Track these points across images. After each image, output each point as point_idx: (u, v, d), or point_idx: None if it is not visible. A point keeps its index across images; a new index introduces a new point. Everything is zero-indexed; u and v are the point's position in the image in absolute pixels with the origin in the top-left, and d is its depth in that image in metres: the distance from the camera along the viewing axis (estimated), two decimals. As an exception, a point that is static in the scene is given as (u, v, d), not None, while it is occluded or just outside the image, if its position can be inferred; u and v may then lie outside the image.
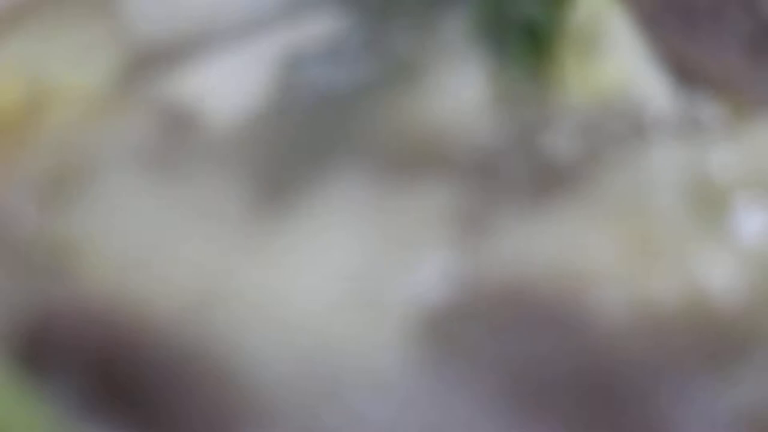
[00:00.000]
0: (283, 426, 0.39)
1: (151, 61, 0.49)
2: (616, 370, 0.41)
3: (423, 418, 0.40)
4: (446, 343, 0.41)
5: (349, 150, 0.47)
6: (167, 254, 0.42)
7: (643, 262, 0.43)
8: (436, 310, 0.41)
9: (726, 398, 0.40)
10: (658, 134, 0.48)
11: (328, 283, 0.42)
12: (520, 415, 0.40)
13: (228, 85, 0.49)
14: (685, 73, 0.51)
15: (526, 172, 0.47)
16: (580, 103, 0.49)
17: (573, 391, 0.40)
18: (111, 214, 0.44)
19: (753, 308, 0.42)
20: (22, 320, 0.41)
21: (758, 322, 0.42)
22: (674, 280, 0.43)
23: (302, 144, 0.47)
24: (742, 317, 0.42)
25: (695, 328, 0.42)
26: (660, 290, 0.42)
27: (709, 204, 0.45)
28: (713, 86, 0.51)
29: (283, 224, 0.44)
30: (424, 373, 0.40)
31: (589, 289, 0.42)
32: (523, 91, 0.50)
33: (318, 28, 0.52)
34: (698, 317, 0.42)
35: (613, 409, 0.40)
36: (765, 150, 0.48)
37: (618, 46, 0.51)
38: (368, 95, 0.49)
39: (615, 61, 0.50)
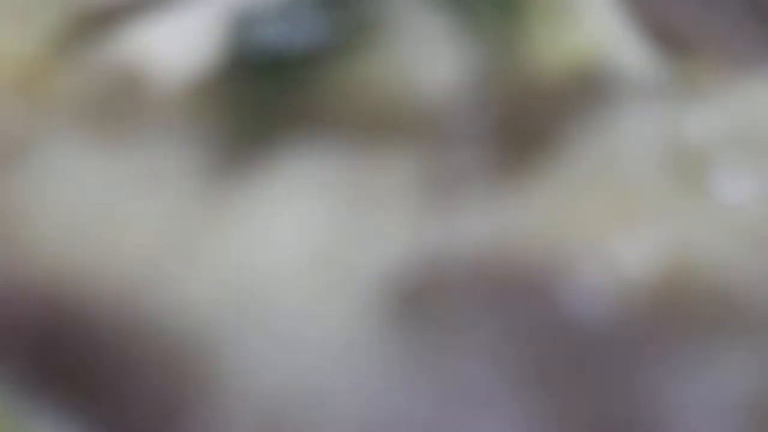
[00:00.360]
0: (242, 402, 0.37)
1: (95, 20, 0.47)
2: (597, 343, 0.39)
3: (391, 391, 0.38)
4: (415, 315, 0.39)
5: (307, 114, 0.45)
6: (115, 224, 0.40)
7: (621, 231, 0.42)
8: (404, 281, 0.39)
9: (715, 373, 0.38)
10: (635, 98, 0.46)
11: (290, 254, 0.39)
12: (493, 392, 0.38)
13: (177, 46, 0.47)
14: (664, 35, 0.50)
15: (496, 139, 0.45)
16: (552, 67, 0.47)
17: (551, 366, 0.39)
18: (55, 182, 0.41)
19: (736, 274, 0.40)
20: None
21: (743, 289, 0.40)
22: (654, 248, 0.41)
23: (257, 108, 0.45)
24: (726, 285, 0.40)
25: (676, 297, 0.40)
26: (639, 259, 0.41)
27: (688, 168, 0.43)
28: (693, 48, 0.50)
29: (239, 192, 0.41)
30: (392, 346, 0.38)
31: (566, 261, 0.40)
32: (491, 54, 0.48)
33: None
34: (680, 285, 0.40)
35: (594, 384, 0.38)
36: (743, 113, 0.46)
37: (591, 8, 0.49)
38: (325, 58, 0.47)
39: (588, 22, 0.49)
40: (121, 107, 0.44)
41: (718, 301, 0.40)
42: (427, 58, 0.47)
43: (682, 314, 0.39)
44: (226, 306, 0.38)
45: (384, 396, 0.37)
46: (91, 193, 0.41)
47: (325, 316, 0.38)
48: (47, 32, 0.47)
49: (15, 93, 0.44)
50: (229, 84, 0.46)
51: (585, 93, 0.46)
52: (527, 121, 0.45)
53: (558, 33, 0.48)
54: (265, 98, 0.46)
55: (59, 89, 0.45)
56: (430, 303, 0.39)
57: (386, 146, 0.44)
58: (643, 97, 0.46)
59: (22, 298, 0.38)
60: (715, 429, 0.37)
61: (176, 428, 0.36)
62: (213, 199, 0.41)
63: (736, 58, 0.49)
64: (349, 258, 0.39)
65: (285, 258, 0.39)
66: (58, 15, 0.47)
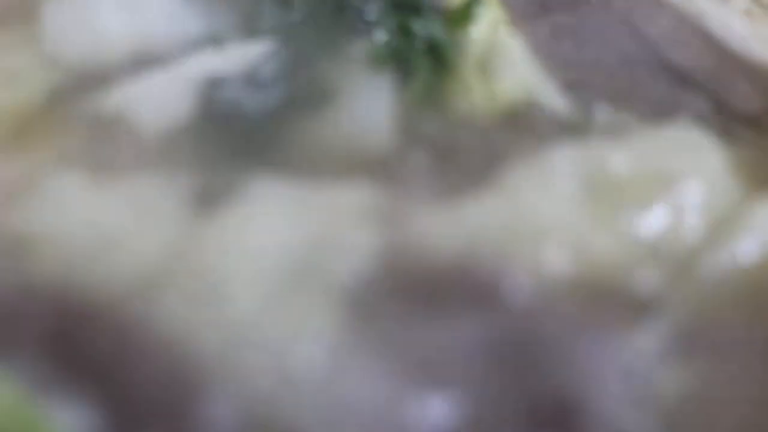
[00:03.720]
0: (225, 391, 0.45)
1: (83, 79, 0.56)
2: (526, 333, 0.47)
3: (351, 379, 0.46)
4: (370, 316, 0.47)
5: (271, 156, 0.54)
6: (113, 243, 0.48)
7: (544, 244, 0.50)
8: (361, 286, 0.48)
9: (624, 351, 0.47)
10: (558, 135, 0.55)
11: (263, 264, 0.48)
12: (440, 380, 0.46)
13: (156, 101, 0.55)
14: (576, 86, 0.59)
15: (435, 170, 0.54)
16: (485, 112, 0.57)
17: (488, 353, 0.47)
18: (59, 211, 0.49)
19: (637, 278, 0.50)
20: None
21: (643, 290, 0.50)
22: (570, 259, 0.50)
23: (227, 151, 0.54)
24: (628, 286, 0.50)
25: (588, 296, 0.49)
26: (558, 268, 0.50)
27: (601, 193, 0.53)
28: (601, 98, 0.59)
29: (220, 215, 0.50)
30: (354, 343, 0.47)
31: (497, 266, 0.49)
32: (430, 103, 0.57)
33: (238, 54, 0.59)
34: (592, 287, 0.49)
35: (527, 364, 0.46)
36: (651, 154, 0.56)
37: (516, 63, 0.59)
38: (284, 112, 0.56)
39: (514, 75, 0.58)
40: (110, 150, 0.53)
41: (622, 296, 0.49)
42: (371, 112, 0.57)
43: (594, 304, 0.48)
44: (212, 308, 0.46)
45: (347, 375, 0.45)
46: (90, 218, 0.49)
47: (294, 315, 0.47)
48: (39, 90, 0.55)
49: (15, 141, 0.53)
50: (201, 131, 0.55)
51: (515, 130, 0.55)
52: (465, 155, 0.54)
53: (489, 83, 0.58)
54: (234, 143, 0.55)
55: (55, 136, 0.53)
56: (383, 303, 0.47)
57: (341, 179, 0.53)
58: (565, 135, 0.55)
59: (35, 302, 0.46)
60: (622, 391, 0.46)
61: (180, 410, 0.44)
62: (198, 221, 0.49)
63: (646, 109, 0.59)
64: (320, 263, 0.48)
65: (265, 265, 0.47)
66: (49, 74, 0.56)
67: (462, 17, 0.60)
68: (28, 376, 0.45)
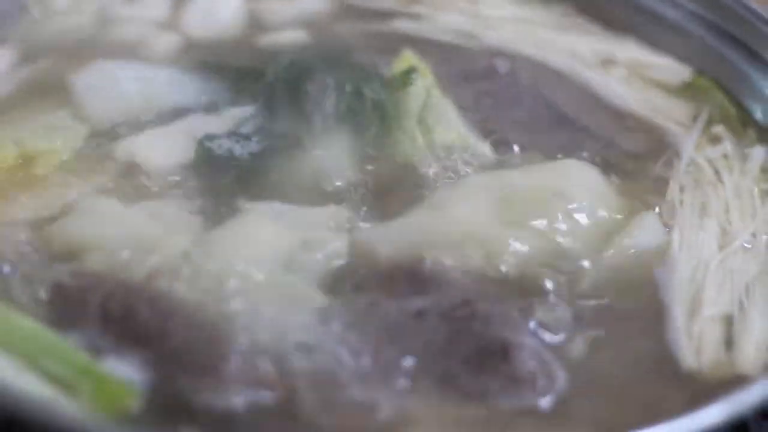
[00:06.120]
0: (242, 349, 0.60)
1: (107, 131, 0.73)
2: (460, 308, 0.64)
3: (332, 340, 0.62)
4: (344, 292, 0.64)
5: (257, 188, 0.71)
6: (144, 244, 0.64)
7: (466, 243, 0.67)
8: (336, 271, 0.65)
9: (530, 318, 0.64)
10: (477, 168, 0.73)
11: (259, 258, 0.64)
12: (401, 341, 0.62)
13: (162, 149, 0.73)
14: (494, 135, 0.76)
15: (382, 195, 0.71)
16: (422, 155, 0.74)
17: (435, 322, 0.63)
18: (100, 225, 0.66)
19: (537, 269, 0.67)
20: (53, 291, 0.63)
21: (541, 277, 0.67)
22: (487, 254, 0.67)
23: (223, 184, 0.71)
24: (532, 274, 0.67)
25: (507, 281, 0.66)
26: (478, 262, 0.66)
27: (510, 206, 0.70)
28: (514, 143, 0.76)
29: (222, 227, 0.67)
30: (332, 313, 0.63)
31: (432, 261, 0.66)
32: (378, 148, 0.75)
33: (227, 115, 0.76)
34: (506, 275, 0.66)
35: (464, 329, 0.62)
36: (544, 179, 0.72)
37: (446, 117, 0.76)
38: (264, 157, 0.73)
39: (445, 126, 0.76)
40: (133, 182, 0.70)
41: (531, 282, 0.66)
42: (333, 156, 0.74)
43: (509, 288, 0.65)
44: (227, 290, 0.62)
45: (328, 331, 0.62)
46: (124, 229, 0.66)
47: (291, 293, 0.63)
48: (74, 139, 0.72)
49: (58, 176, 0.70)
50: (201, 171, 0.72)
51: (445, 167, 0.73)
52: (405, 184, 0.71)
53: (426, 132, 0.75)
54: (226, 179, 0.71)
55: (89, 172, 0.70)
56: (356, 280, 0.65)
57: (315, 202, 0.70)
58: (482, 167, 0.73)
59: (90, 290, 0.62)
60: (537, 344, 0.62)
61: (206, 360, 0.59)
62: (207, 231, 0.66)
63: (545, 148, 0.76)
64: (303, 258, 0.65)
65: (264, 258, 0.65)
66: (81, 129, 0.73)
67: (401, 83, 0.78)
68: (91, 343, 0.60)
